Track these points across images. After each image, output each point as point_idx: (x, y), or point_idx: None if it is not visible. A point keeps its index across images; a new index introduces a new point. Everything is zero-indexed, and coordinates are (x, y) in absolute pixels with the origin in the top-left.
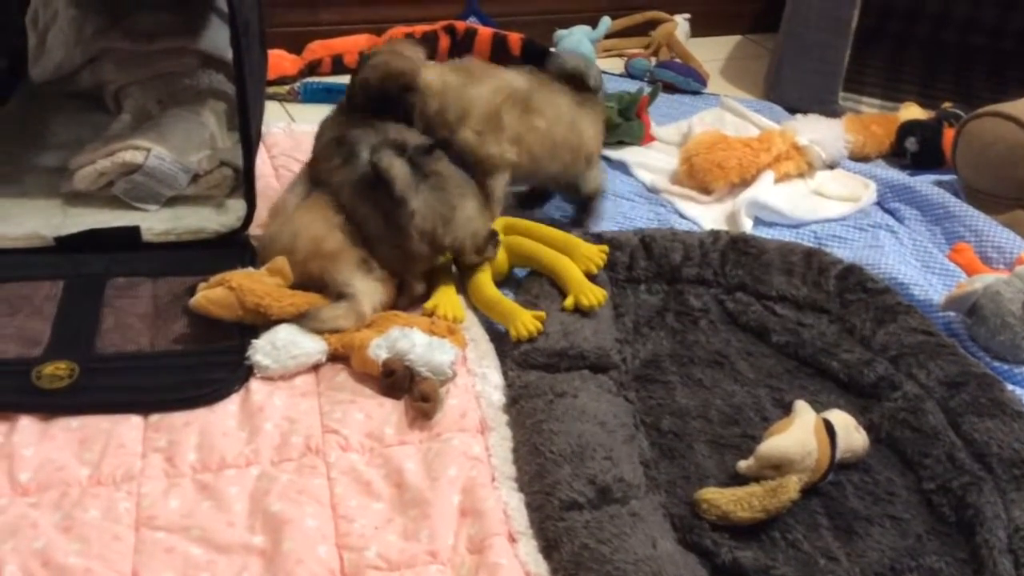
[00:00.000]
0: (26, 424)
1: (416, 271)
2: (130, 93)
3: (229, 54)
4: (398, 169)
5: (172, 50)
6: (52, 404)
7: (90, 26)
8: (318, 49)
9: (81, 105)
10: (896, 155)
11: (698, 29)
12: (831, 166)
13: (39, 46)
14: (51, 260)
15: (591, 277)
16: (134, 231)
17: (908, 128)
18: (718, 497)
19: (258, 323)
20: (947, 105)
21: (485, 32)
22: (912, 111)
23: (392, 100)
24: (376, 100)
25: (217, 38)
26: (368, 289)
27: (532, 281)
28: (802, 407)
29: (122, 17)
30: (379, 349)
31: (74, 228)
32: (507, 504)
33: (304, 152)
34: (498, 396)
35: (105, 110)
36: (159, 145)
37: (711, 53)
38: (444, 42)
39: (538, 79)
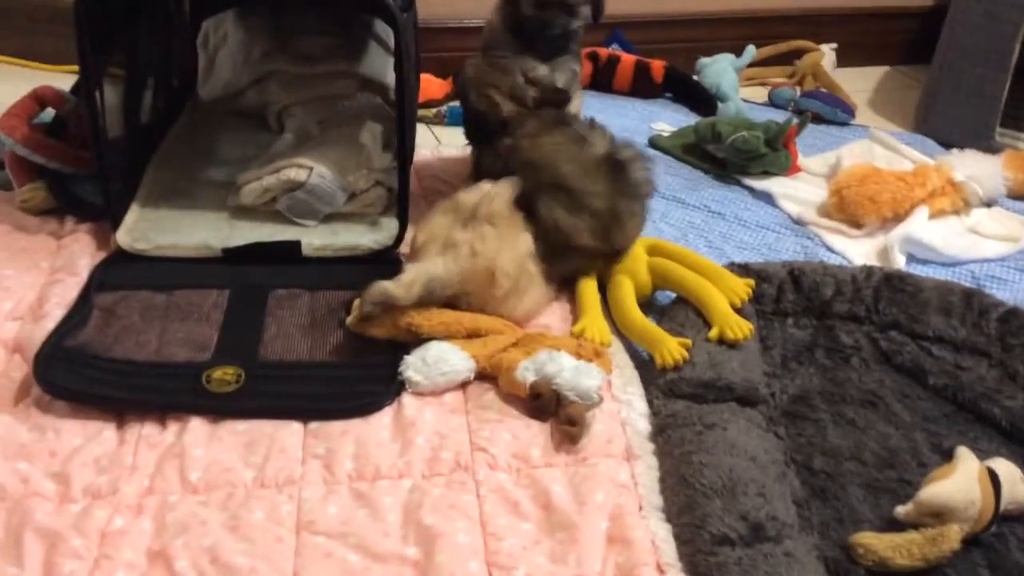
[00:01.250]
0: (196, 425)
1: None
2: (293, 113)
3: (387, 78)
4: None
5: (333, 73)
6: (221, 407)
7: (257, 49)
8: None
9: (246, 123)
10: None
11: (844, 59)
12: (988, 204)
13: (208, 67)
14: (218, 270)
15: (736, 309)
16: (295, 245)
17: None
18: (875, 543)
19: (409, 340)
20: None
21: (628, 59)
22: None
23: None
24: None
25: (375, 62)
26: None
27: (677, 308)
28: (965, 454)
29: (288, 41)
30: (527, 371)
31: (240, 240)
32: (655, 534)
33: (450, 174)
34: (644, 424)
35: (268, 129)
36: (320, 164)
37: (858, 84)
38: (587, 69)
39: None
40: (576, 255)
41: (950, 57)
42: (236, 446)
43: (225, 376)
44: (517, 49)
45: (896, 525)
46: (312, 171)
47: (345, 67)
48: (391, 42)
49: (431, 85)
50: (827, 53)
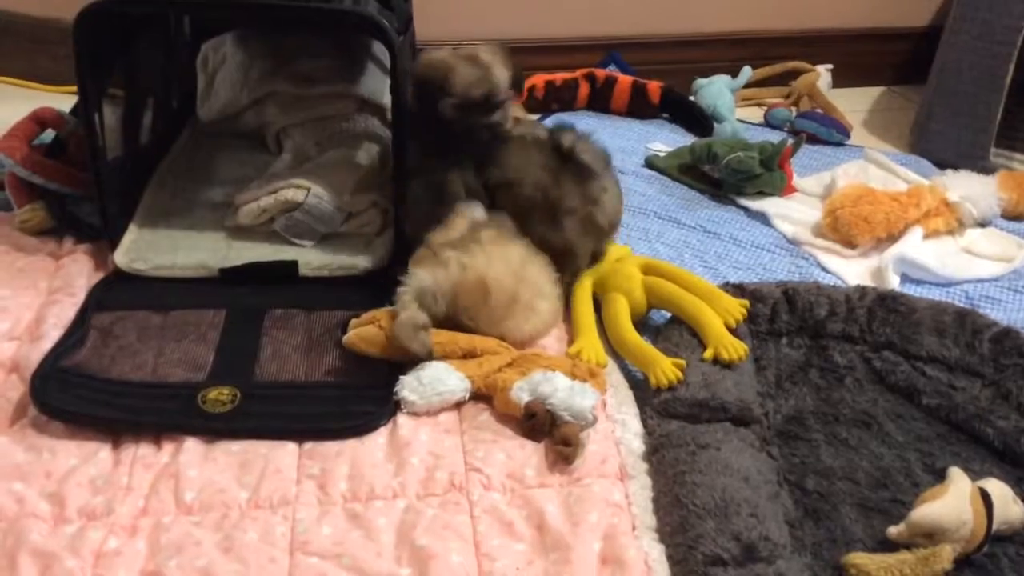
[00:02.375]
0: (191, 446)
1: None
2: (291, 134)
3: (384, 98)
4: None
5: (332, 94)
6: (216, 427)
7: (256, 70)
8: None
9: (244, 144)
10: None
11: (840, 80)
12: (982, 224)
13: (207, 88)
14: (215, 290)
15: (731, 329)
16: (292, 265)
17: None
18: (867, 563)
19: (406, 360)
20: None
21: (625, 80)
22: None
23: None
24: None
25: (373, 83)
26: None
27: (672, 329)
28: (957, 474)
29: (286, 62)
30: (521, 391)
31: (237, 261)
32: (648, 555)
33: None
34: (638, 444)
35: (266, 149)
36: (318, 185)
37: (853, 104)
38: (584, 89)
39: None
40: (575, 259)
41: (944, 78)
42: (231, 466)
43: (220, 396)
44: (444, 153)
45: (888, 545)
46: (309, 192)
47: (343, 88)
48: (389, 63)
49: None
50: (823, 74)
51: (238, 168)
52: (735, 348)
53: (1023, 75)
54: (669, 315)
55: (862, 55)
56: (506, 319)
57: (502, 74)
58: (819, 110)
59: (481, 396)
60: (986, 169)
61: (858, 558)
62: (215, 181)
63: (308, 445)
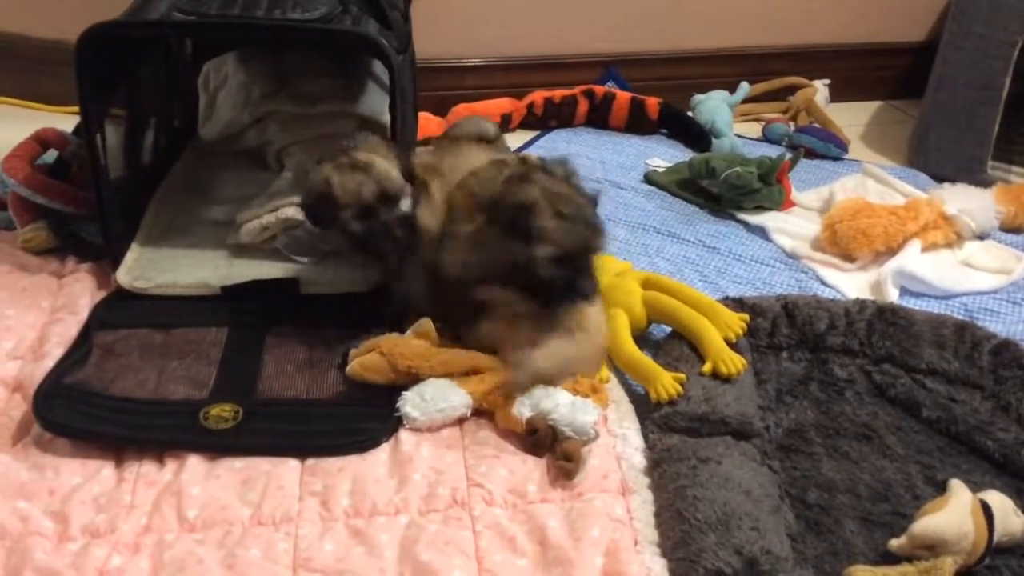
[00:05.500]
0: (194, 463)
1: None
2: (291, 153)
3: (384, 118)
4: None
5: (332, 113)
6: (218, 444)
7: (257, 90)
8: (462, 111)
9: (245, 163)
10: None
11: (837, 94)
12: (981, 237)
13: (209, 107)
14: (217, 307)
15: (730, 344)
16: (294, 283)
17: None
18: (869, 575)
19: (409, 384)
20: None
21: (623, 96)
22: None
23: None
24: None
25: (373, 102)
26: None
27: (672, 343)
28: (958, 487)
29: (287, 82)
30: (523, 407)
31: (238, 278)
32: (650, 569)
33: None
34: (639, 458)
35: (267, 168)
36: None
37: (851, 119)
38: (583, 106)
39: None
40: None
41: (941, 92)
42: (233, 484)
43: (222, 413)
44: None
45: (890, 558)
46: None
47: (344, 107)
48: (388, 82)
49: (429, 123)
50: (820, 89)
51: (239, 187)
52: (734, 362)
53: (1020, 88)
54: (669, 329)
55: (860, 70)
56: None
57: (386, 167)
58: (817, 125)
59: (483, 412)
60: (984, 182)
61: (860, 571)
62: (216, 200)
63: (310, 462)
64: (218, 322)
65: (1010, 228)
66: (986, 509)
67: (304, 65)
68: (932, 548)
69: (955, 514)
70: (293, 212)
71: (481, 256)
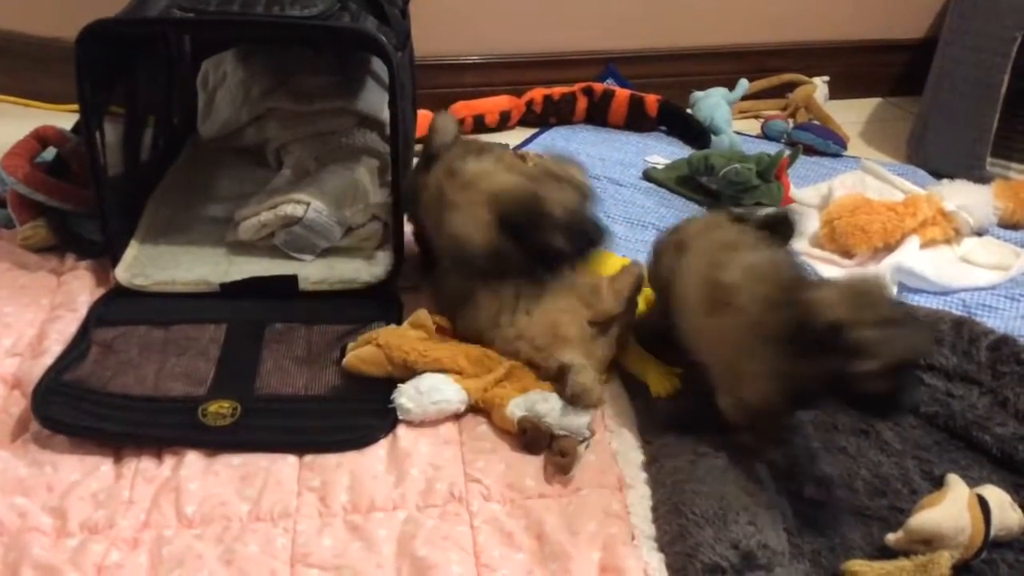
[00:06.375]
0: (192, 459)
1: None
2: (290, 150)
3: (383, 114)
4: None
5: (331, 110)
6: (216, 441)
7: (256, 87)
8: (461, 109)
9: (244, 160)
10: None
11: (837, 91)
12: (979, 233)
13: (208, 105)
14: (216, 305)
15: None
16: (292, 279)
17: None
18: (866, 570)
19: (406, 377)
20: None
21: (622, 94)
22: None
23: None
24: None
25: (372, 99)
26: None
27: None
28: (955, 481)
29: (286, 80)
30: (517, 408)
31: (237, 275)
32: (648, 564)
33: None
34: (636, 454)
35: (266, 165)
36: (317, 199)
37: (850, 115)
38: (582, 103)
39: None
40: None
41: (940, 89)
42: (232, 479)
43: (221, 410)
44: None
45: (887, 552)
46: (309, 206)
47: (342, 104)
48: (387, 79)
49: (429, 121)
50: (819, 86)
51: (238, 184)
52: None
53: (1019, 85)
54: None
55: (859, 67)
56: None
57: (575, 173)
58: (816, 122)
59: (480, 410)
60: (983, 179)
61: (856, 565)
62: (215, 197)
63: (308, 457)
64: (217, 319)
65: (1009, 224)
66: (983, 504)
67: (303, 63)
68: (929, 543)
69: (952, 509)
70: (292, 209)
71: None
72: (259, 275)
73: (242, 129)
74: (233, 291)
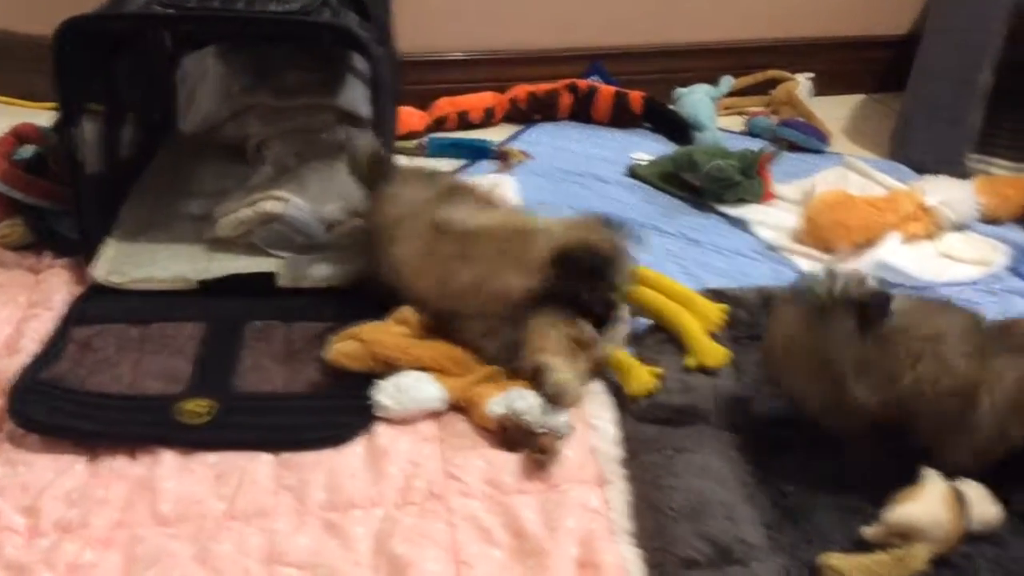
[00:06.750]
0: (168, 458)
1: None
2: (271, 146)
3: (364, 111)
4: None
5: (312, 106)
6: (192, 439)
7: (237, 83)
8: (444, 105)
9: (224, 156)
10: None
11: (821, 88)
12: (960, 229)
13: (188, 101)
14: (194, 302)
15: (712, 335)
16: (270, 277)
17: None
18: (842, 563)
19: (387, 373)
20: None
21: (607, 90)
22: None
23: None
24: None
25: (353, 95)
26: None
27: (651, 335)
28: (932, 475)
29: (267, 75)
30: (496, 406)
31: (216, 273)
32: (625, 559)
33: None
34: (615, 449)
35: (246, 162)
36: (297, 196)
37: (834, 112)
38: (566, 100)
39: None
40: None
41: (922, 84)
42: (207, 478)
43: (197, 408)
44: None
45: (864, 546)
46: (288, 203)
47: (323, 100)
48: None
49: (411, 117)
50: (803, 82)
51: (218, 180)
52: (716, 355)
53: (999, 81)
54: (650, 322)
55: (843, 63)
56: None
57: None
58: (799, 118)
59: (460, 408)
60: (965, 174)
61: (833, 559)
62: (194, 193)
63: (285, 455)
64: (195, 317)
65: (990, 220)
66: (960, 498)
67: (284, 58)
68: (906, 536)
69: (929, 502)
70: (271, 206)
71: None
72: (238, 272)
73: (222, 125)
74: (212, 288)
